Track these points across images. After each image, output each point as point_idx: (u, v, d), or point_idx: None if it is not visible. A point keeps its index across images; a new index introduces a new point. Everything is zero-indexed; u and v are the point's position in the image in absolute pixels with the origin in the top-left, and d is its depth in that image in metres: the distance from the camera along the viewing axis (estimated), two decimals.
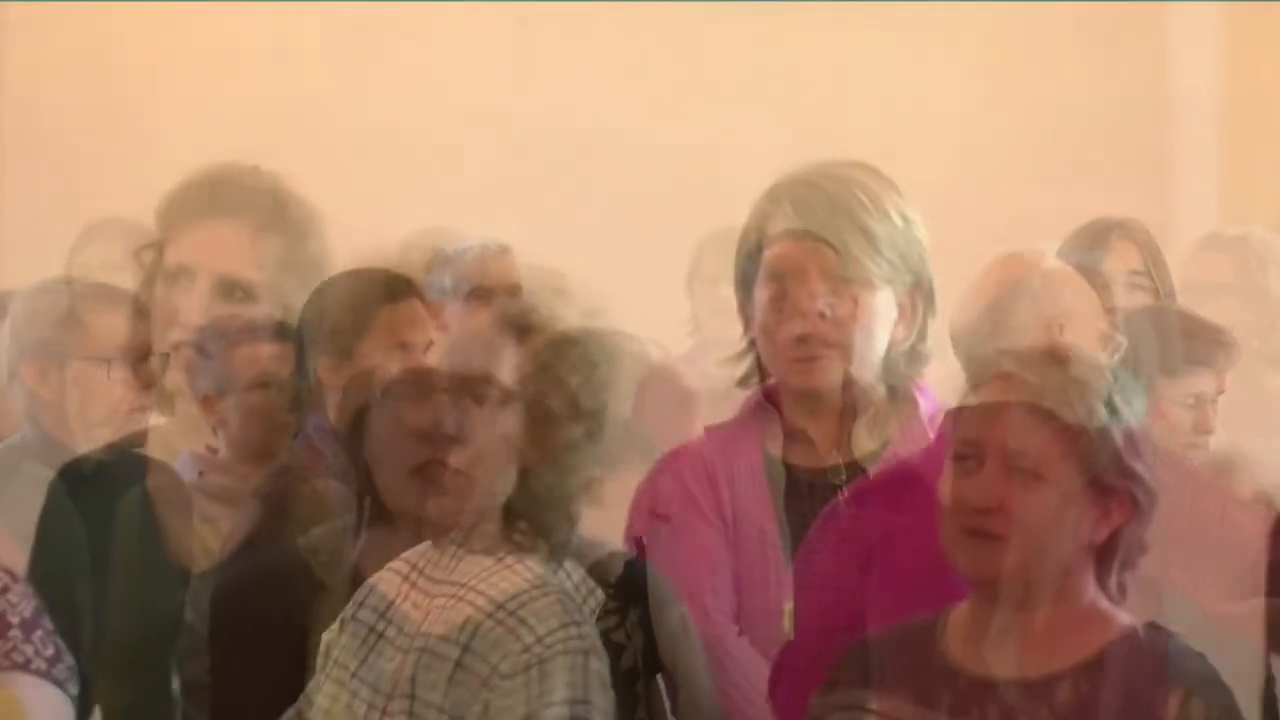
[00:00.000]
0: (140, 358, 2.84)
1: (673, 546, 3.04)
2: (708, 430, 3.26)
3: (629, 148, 5.59)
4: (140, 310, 2.83)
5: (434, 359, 2.42)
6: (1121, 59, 5.66)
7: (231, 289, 2.79)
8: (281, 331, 2.68)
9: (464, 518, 2.35)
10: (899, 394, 3.24)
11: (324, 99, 5.55)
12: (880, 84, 5.76)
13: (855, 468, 3.13)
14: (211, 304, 2.78)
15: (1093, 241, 4.76)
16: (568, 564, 2.45)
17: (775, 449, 3.20)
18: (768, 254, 3.08)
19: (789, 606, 3.03)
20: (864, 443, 3.18)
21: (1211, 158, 5.22)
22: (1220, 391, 4.00)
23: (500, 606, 2.34)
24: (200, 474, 3.04)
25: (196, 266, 2.78)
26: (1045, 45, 5.86)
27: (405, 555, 2.41)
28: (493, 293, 4.65)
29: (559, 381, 2.37)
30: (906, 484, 2.78)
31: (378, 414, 2.39)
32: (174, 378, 2.83)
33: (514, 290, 4.61)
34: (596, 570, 2.51)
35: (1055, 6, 5.71)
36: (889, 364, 3.14)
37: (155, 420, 2.91)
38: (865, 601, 2.77)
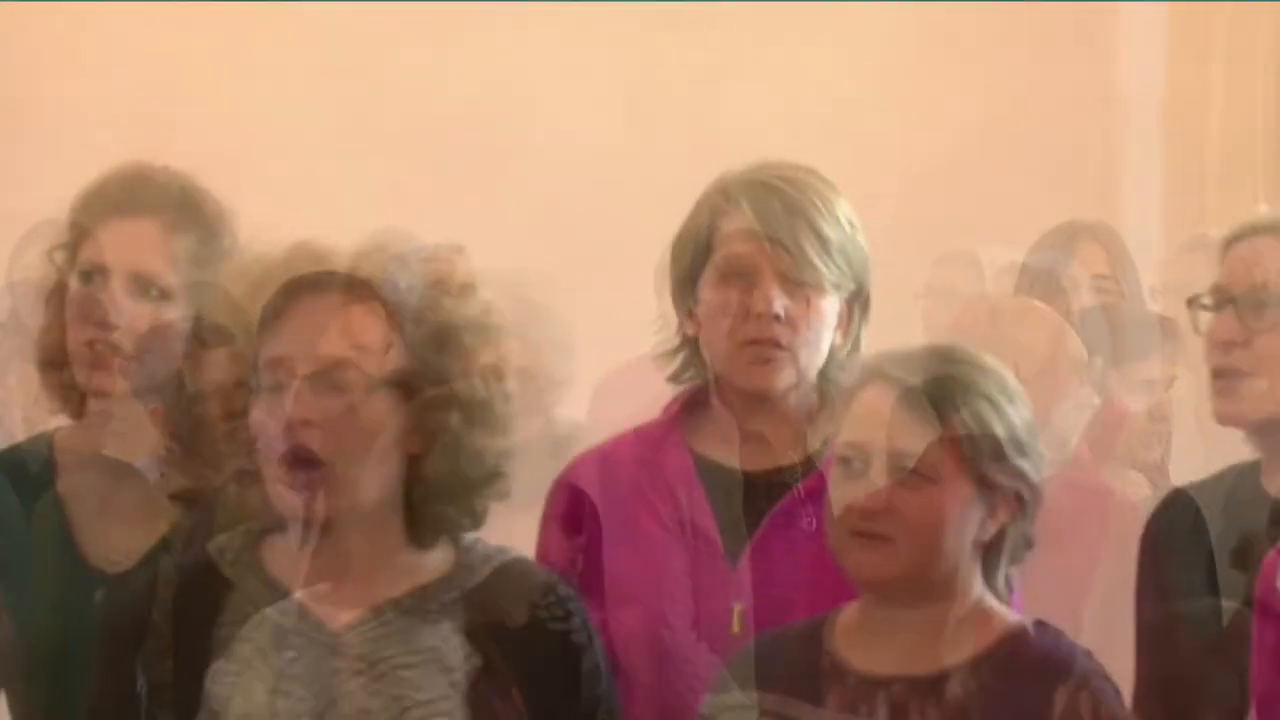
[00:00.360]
0: (58, 359, 2.82)
1: (620, 550, 3.04)
2: (636, 431, 3.25)
3: (531, 149, 5.62)
4: (54, 310, 2.80)
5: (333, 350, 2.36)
6: (1068, 61, 5.68)
7: (145, 286, 2.75)
8: (220, 334, 2.66)
9: (336, 509, 2.32)
10: (833, 399, 3.25)
11: (224, 96, 5.60)
12: (820, 84, 5.77)
13: (810, 466, 3.13)
14: (125, 301, 2.74)
15: (1059, 245, 4.78)
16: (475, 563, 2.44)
17: (704, 449, 3.20)
18: (722, 253, 3.06)
19: (738, 608, 3.07)
20: (812, 444, 3.20)
21: (1157, 159, 5.25)
22: (1172, 379, 4.02)
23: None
24: (161, 475, 3.04)
25: (109, 264, 2.75)
26: (992, 47, 5.88)
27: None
28: (446, 292, 4.67)
29: (431, 367, 2.35)
30: None
31: (255, 407, 2.35)
32: (86, 377, 2.80)
33: (467, 289, 4.62)
34: (502, 574, 2.48)
35: (1002, 8, 5.73)
36: (826, 370, 3.13)
37: (64, 420, 2.89)
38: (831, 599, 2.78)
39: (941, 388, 2.45)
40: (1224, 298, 3.09)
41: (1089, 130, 5.62)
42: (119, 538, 2.81)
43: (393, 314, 2.35)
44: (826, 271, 3.04)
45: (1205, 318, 3.17)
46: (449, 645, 2.40)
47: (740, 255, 3.09)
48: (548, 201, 5.37)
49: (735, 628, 2.96)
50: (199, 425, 2.50)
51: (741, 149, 3.03)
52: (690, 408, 3.20)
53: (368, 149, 5.52)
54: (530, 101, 5.63)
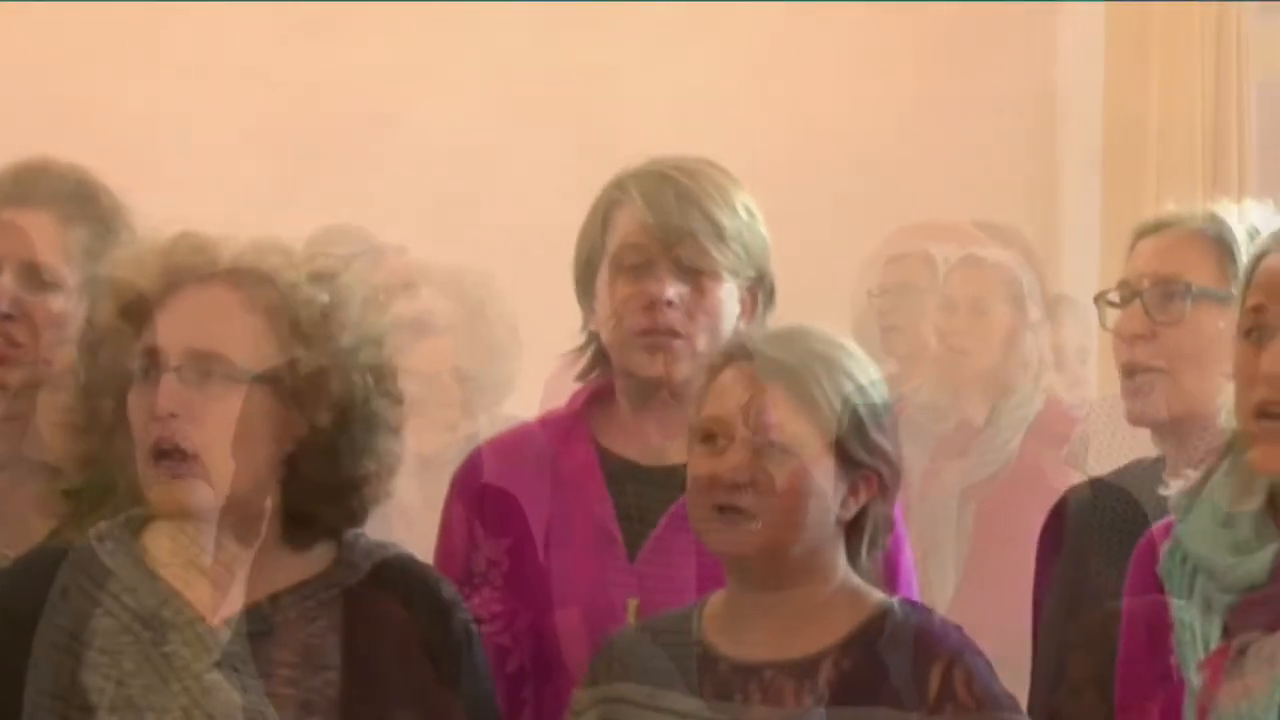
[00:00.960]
0: None
1: (548, 546, 3.05)
2: (540, 420, 3.25)
3: (420, 146, 5.63)
4: None
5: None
6: (1007, 60, 5.69)
7: (38, 277, 2.75)
8: (108, 324, 2.67)
9: (204, 504, 2.32)
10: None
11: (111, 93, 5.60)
12: (759, 81, 5.78)
13: None
14: (17, 291, 2.74)
15: (968, 240, 4.80)
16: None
17: (609, 443, 3.20)
18: (616, 244, 3.07)
19: (634, 603, 3.06)
20: None
21: (1096, 156, 5.26)
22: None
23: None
24: (55, 468, 3.05)
25: (1, 255, 2.75)
26: (929, 46, 5.88)
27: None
28: (407, 287, 4.67)
29: (306, 364, 2.33)
30: None
31: (130, 396, 2.35)
32: None
33: (410, 287, 4.61)
34: (383, 570, 2.47)
35: (941, 7, 5.74)
36: None
37: None
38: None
39: (805, 364, 2.48)
40: (1130, 292, 3.12)
41: (1028, 129, 5.63)
42: (16, 534, 2.81)
43: (270, 309, 2.33)
44: (721, 258, 3.04)
45: (1113, 314, 3.19)
46: (326, 643, 2.40)
47: (633, 245, 3.09)
48: (437, 199, 5.38)
49: (631, 621, 2.95)
50: (93, 416, 2.49)
51: (644, 148, 3.04)
52: (595, 401, 3.21)
53: (260, 145, 5.52)
54: (420, 99, 5.65)
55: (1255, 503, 2.53)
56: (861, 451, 2.47)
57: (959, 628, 2.54)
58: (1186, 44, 4.93)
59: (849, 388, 2.47)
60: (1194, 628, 2.49)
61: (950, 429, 4.27)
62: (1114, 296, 3.16)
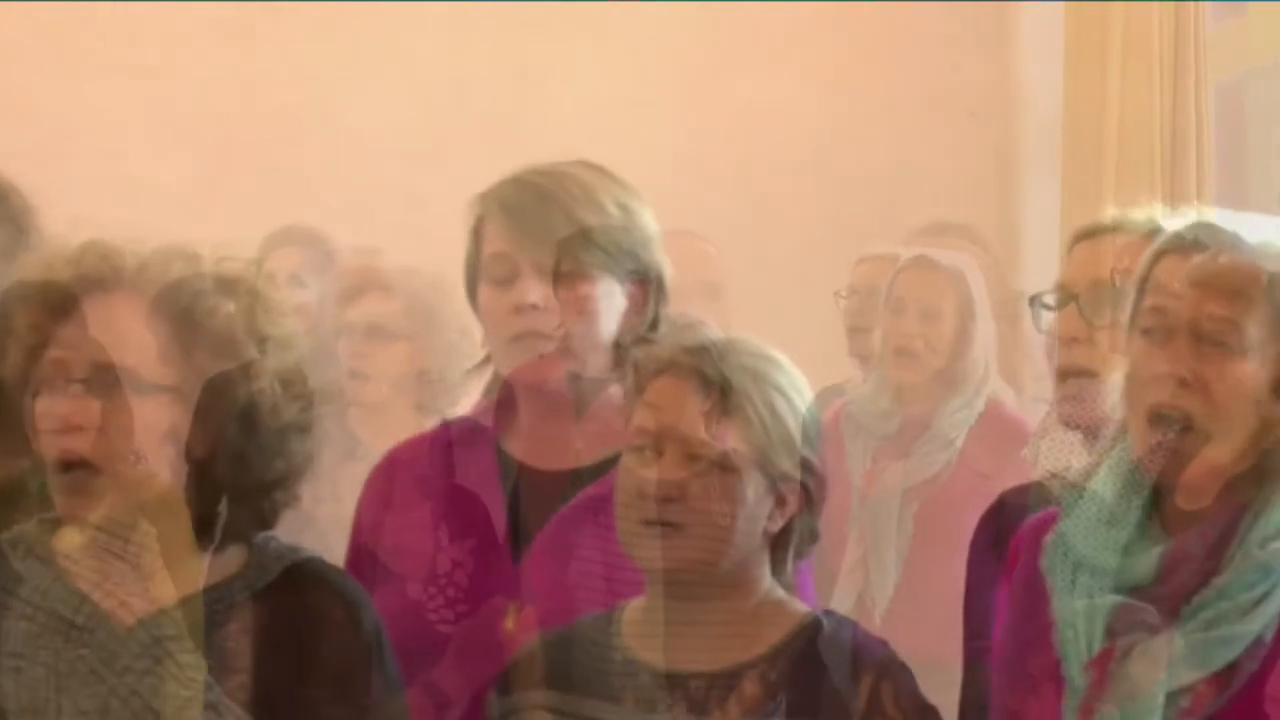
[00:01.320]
0: None
1: (398, 540, 3.06)
2: (444, 424, 3.28)
3: (337, 146, 5.64)
4: None
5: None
6: (967, 61, 5.70)
7: None
8: (14, 325, 2.69)
9: (113, 510, 2.32)
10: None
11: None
12: (716, 81, 5.79)
13: (602, 465, 3.15)
14: None
15: (930, 242, 4.79)
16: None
17: (510, 447, 3.21)
18: (485, 256, 3.08)
19: (513, 606, 3.06)
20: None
21: (1055, 158, 5.25)
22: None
23: None
24: None
25: None
26: (892, 46, 5.88)
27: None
28: (361, 291, 4.66)
29: (211, 374, 2.34)
30: None
31: (37, 405, 2.36)
32: None
33: (386, 288, 4.60)
34: (294, 573, 2.48)
35: (903, 6, 5.75)
36: (622, 356, 3.15)
37: None
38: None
39: (735, 377, 2.49)
40: (1067, 295, 3.13)
41: (989, 129, 5.64)
42: None
43: (175, 318, 2.34)
44: (589, 257, 3.05)
45: (1049, 317, 3.20)
46: (237, 645, 2.41)
47: (497, 255, 3.12)
48: (354, 199, 5.38)
49: (510, 624, 2.98)
50: (3, 415, 2.49)
51: (563, 149, 3.04)
52: (504, 407, 3.23)
53: (175, 145, 5.53)
54: (337, 99, 5.66)
55: (1140, 501, 2.54)
56: (789, 464, 2.49)
57: (884, 642, 2.58)
58: (1146, 45, 4.92)
59: (780, 402, 2.49)
60: (1077, 626, 2.49)
61: (894, 430, 4.27)
62: (1049, 299, 3.19)
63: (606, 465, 2.99)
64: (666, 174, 5.61)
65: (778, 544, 2.53)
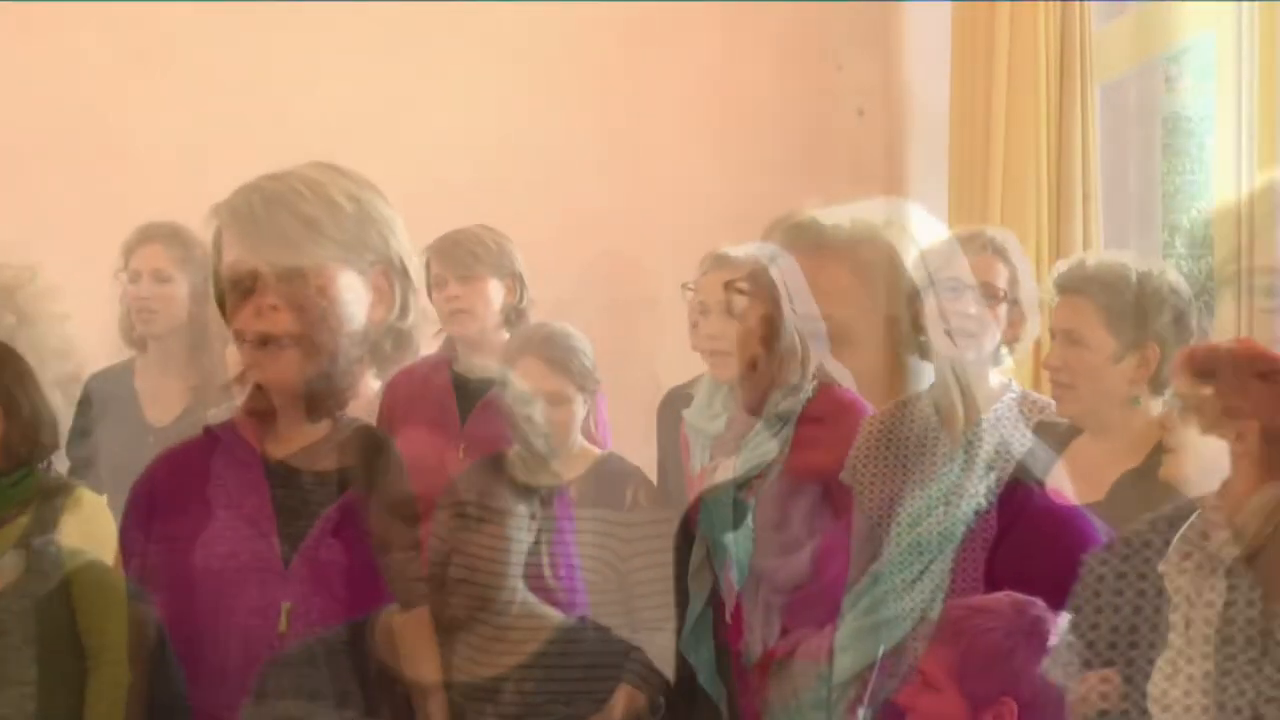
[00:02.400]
0: None
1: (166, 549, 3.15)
2: (207, 430, 3.36)
3: (108, 146, 5.61)
4: None
5: None
6: (853, 59, 5.72)
7: None
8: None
9: None
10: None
11: None
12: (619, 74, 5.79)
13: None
14: None
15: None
16: None
17: (273, 449, 3.34)
18: (223, 265, 3.12)
19: (286, 606, 3.21)
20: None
21: (942, 157, 5.28)
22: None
23: None
24: None
25: None
26: (777, 45, 5.90)
27: None
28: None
29: None
30: None
31: None
32: None
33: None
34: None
35: (787, 6, 5.77)
36: (375, 347, 3.23)
37: None
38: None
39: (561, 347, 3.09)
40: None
41: (876, 129, 5.66)
42: None
43: None
44: (322, 251, 3.11)
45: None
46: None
47: (233, 263, 3.15)
48: (124, 204, 5.38)
49: (282, 626, 3.11)
50: None
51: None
52: (254, 409, 3.29)
53: None
54: (108, 99, 5.63)
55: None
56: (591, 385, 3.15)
57: (639, 648, 2.83)
58: (1032, 45, 4.95)
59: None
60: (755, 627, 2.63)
61: (723, 428, 4.29)
62: (743, 285, 3.71)
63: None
64: (554, 171, 5.63)
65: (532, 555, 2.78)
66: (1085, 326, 3.62)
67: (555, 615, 2.79)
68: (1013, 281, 4.03)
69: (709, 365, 4.33)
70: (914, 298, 3.97)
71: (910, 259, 3.86)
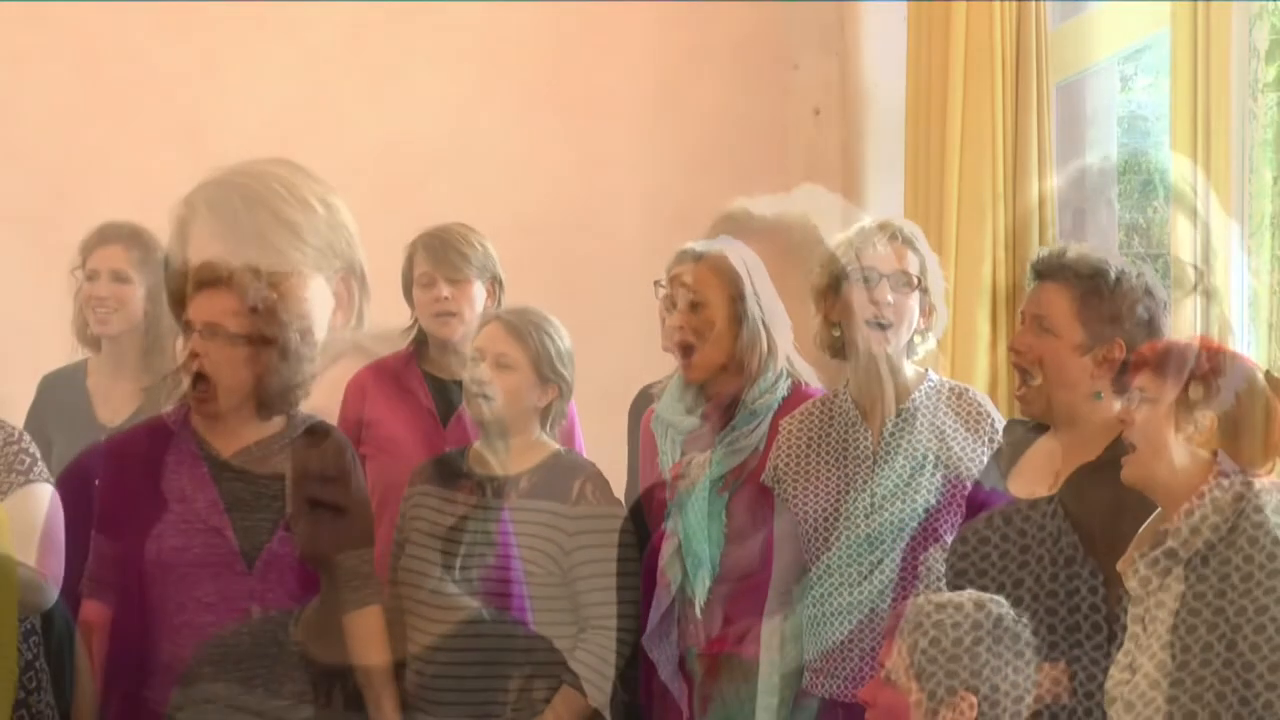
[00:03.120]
0: None
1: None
2: (145, 426, 3.82)
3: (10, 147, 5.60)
4: None
5: None
6: (808, 58, 5.72)
7: None
8: None
9: None
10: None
11: None
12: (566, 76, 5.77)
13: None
14: None
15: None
16: None
17: (216, 442, 3.79)
18: (184, 257, 3.18)
19: (255, 609, 3.65)
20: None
21: (898, 155, 5.28)
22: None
23: None
24: None
25: None
26: (732, 45, 5.90)
27: None
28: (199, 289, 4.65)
29: None
30: None
31: None
32: None
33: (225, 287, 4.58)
34: None
35: (742, 6, 5.76)
36: (333, 352, 3.35)
37: None
38: None
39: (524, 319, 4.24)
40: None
41: (832, 128, 5.66)
42: None
43: None
44: (300, 255, 3.23)
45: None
46: None
47: (206, 264, 3.18)
48: (25, 193, 5.36)
49: (256, 612, 3.58)
50: None
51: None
52: (423, 343, 3.54)
53: None
54: (59, 96, 5.61)
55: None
56: (550, 372, 4.24)
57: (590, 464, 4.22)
58: (988, 45, 4.95)
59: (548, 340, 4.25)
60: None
61: (695, 424, 4.27)
62: (687, 277, 4.24)
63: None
64: (509, 171, 5.62)
65: (544, 415, 4.28)
66: (1056, 314, 3.62)
67: (553, 444, 4.16)
68: (923, 271, 4.05)
69: (680, 365, 4.30)
70: (826, 291, 3.99)
71: (826, 248, 3.91)
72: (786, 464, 4.11)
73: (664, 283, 4.77)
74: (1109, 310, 3.61)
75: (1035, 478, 3.66)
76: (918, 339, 4.05)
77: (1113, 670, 3.25)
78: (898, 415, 4.02)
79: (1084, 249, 3.74)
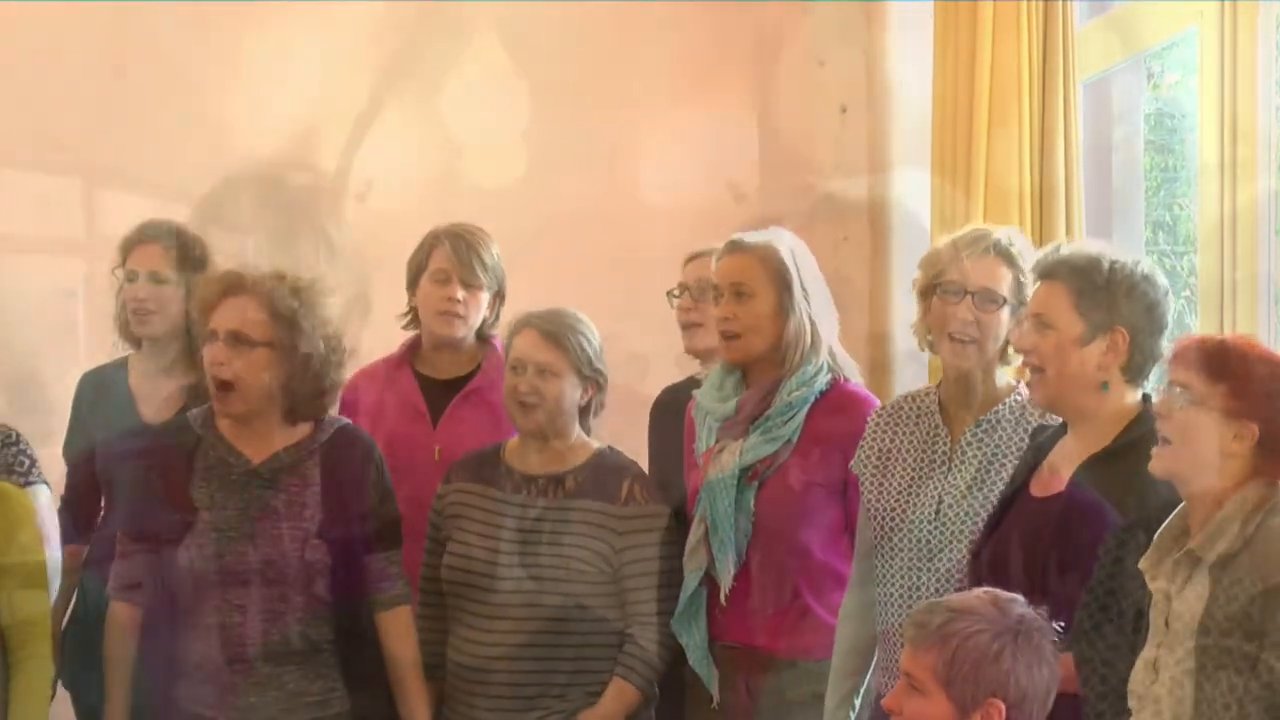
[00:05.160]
0: None
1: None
2: (383, 361, 4.82)
3: None
4: None
5: None
6: (835, 56, 5.71)
7: None
8: None
9: None
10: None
11: None
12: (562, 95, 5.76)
13: (477, 370, 4.79)
14: None
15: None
16: None
17: (420, 367, 4.81)
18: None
19: (438, 448, 4.69)
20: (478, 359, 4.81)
21: (925, 153, 5.27)
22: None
23: None
24: None
25: None
26: (760, 42, 5.89)
27: None
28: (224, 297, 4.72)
29: None
30: None
31: None
32: None
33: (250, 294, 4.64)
34: None
35: (771, 5, 5.76)
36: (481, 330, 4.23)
37: None
38: None
39: (559, 324, 4.38)
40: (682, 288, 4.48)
41: (859, 126, 5.65)
42: None
43: None
44: (485, 279, 4.70)
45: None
46: None
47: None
48: (58, 202, 5.37)
49: (436, 457, 4.61)
50: None
51: None
52: (413, 346, 4.73)
53: None
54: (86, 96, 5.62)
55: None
56: (590, 370, 4.39)
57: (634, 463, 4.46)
58: (1015, 42, 4.94)
59: (585, 342, 4.40)
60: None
61: (731, 411, 4.29)
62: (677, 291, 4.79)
63: (476, 370, 4.82)
64: (536, 170, 5.62)
65: (585, 411, 4.44)
66: (1055, 309, 3.65)
67: (595, 444, 4.42)
68: (1016, 286, 3.99)
69: (722, 349, 4.33)
70: (924, 293, 4.00)
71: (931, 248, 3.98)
72: (869, 453, 4.13)
73: (676, 291, 4.81)
74: (1105, 299, 3.64)
75: (1054, 476, 3.68)
76: (1012, 350, 4.00)
77: (1137, 667, 3.24)
78: (977, 424, 4.01)
79: (1078, 244, 3.78)
